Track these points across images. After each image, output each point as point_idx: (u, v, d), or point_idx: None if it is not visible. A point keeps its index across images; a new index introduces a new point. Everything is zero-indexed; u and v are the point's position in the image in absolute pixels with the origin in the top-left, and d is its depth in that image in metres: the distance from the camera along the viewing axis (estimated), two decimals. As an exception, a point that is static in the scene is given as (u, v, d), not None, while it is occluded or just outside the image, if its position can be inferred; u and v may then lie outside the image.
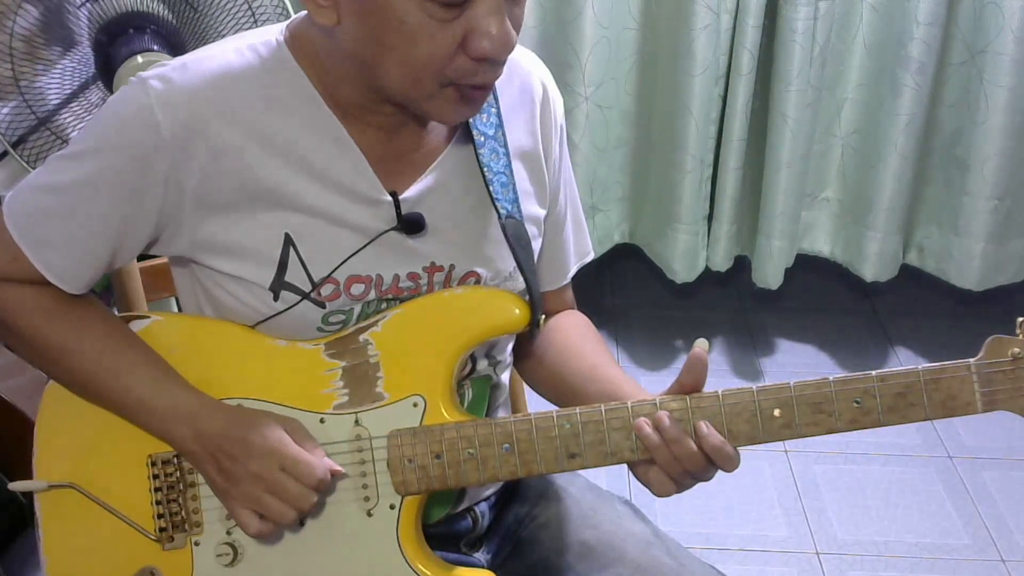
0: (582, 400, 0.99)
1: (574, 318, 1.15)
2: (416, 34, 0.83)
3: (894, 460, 2.22)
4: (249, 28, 1.50)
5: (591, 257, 1.19)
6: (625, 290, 2.83)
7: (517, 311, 0.96)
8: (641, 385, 1.00)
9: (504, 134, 1.01)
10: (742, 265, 2.56)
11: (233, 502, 0.93)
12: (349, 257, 0.95)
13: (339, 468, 0.92)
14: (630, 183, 2.49)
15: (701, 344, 0.92)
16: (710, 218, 2.46)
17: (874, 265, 2.44)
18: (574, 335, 1.12)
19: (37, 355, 1.00)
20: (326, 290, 0.96)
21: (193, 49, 1.08)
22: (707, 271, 2.52)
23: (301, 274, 0.95)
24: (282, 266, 0.95)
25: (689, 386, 0.92)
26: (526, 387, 1.30)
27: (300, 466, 0.90)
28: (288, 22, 0.96)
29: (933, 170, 2.42)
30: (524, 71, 1.05)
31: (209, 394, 0.97)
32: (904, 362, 2.53)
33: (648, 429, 0.91)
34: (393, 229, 0.96)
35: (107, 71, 1.51)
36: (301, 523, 0.97)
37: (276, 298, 0.95)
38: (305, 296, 0.95)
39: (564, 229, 1.13)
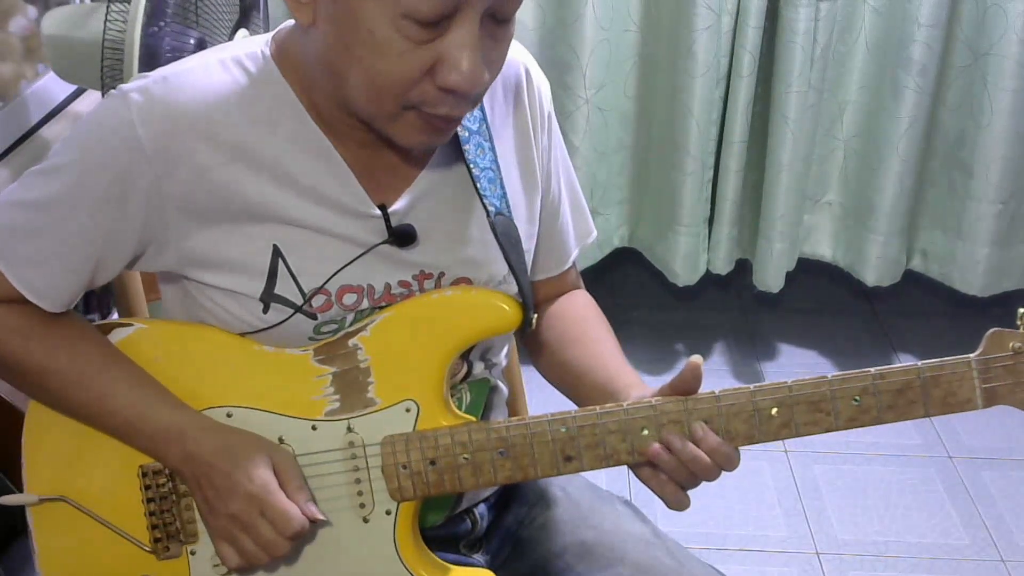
0: (581, 391, 0.98)
1: (574, 302, 1.13)
2: (383, 48, 0.81)
3: (894, 460, 2.21)
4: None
5: (594, 237, 1.16)
6: (625, 293, 2.82)
7: (507, 310, 0.94)
8: (637, 373, 1.00)
9: (488, 127, 0.99)
10: (743, 268, 2.55)
11: (212, 531, 0.93)
12: (340, 270, 0.94)
13: (320, 516, 0.91)
14: (630, 186, 2.48)
15: (696, 359, 0.91)
16: (711, 221, 2.45)
17: (876, 269, 2.43)
18: (577, 319, 1.11)
19: (16, 377, 0.97)
20: (317, 301, 0.94)
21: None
22: (708, 274, 2.51)
23: (291, 286, 0.94)
24: (271, 277, 0.93)
25: (681, 392, 0.92)
26: (526, 389, 1.30)
27: (279, 516, 0.89)
28: (274, 33, 0.95)
29: (936, 174, 2.41)
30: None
31: (197, 403, 0.95)
32: (906, 364, 2.52)
33: (665, 456, 0.91)
34: (384, 242, 0.95)
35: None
36: None
37: (266, 310, 0.94)
38: (297, 309, 0.94)
39: (561, 213, 1.11)
